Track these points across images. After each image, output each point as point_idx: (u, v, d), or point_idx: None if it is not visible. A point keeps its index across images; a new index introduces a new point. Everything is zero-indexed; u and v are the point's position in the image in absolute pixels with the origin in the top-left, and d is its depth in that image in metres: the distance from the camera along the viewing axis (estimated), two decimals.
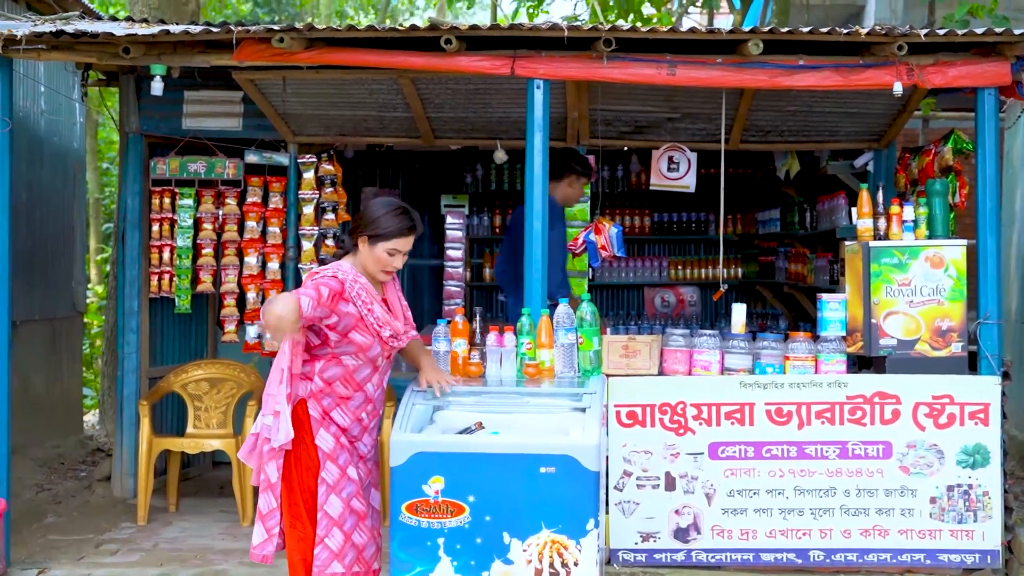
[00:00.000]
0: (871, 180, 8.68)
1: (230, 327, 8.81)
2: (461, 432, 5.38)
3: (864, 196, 6.94)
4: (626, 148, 9.04)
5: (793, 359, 6.75)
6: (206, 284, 8.80)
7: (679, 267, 11.92)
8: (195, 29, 6.63)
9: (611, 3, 13.85)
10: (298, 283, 8.69)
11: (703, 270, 11.86)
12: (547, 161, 6.89)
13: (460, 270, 10.05)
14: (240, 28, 6.53)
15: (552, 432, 5.39)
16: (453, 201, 10.95)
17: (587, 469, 5.15)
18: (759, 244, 11.78)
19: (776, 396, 6.70)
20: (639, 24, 13.17)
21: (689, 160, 8.34)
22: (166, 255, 8.73)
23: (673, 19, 15.80)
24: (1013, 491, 6.96)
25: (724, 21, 19.88)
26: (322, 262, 5.27)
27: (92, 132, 17.32)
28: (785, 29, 6.51)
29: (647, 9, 15.37)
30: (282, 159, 8.82)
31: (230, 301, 8.82)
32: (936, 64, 6.72)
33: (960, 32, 6.58)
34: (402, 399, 5.51)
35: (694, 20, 19.26)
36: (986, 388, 6.71)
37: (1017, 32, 6.53)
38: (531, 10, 14.48)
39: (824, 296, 6.88)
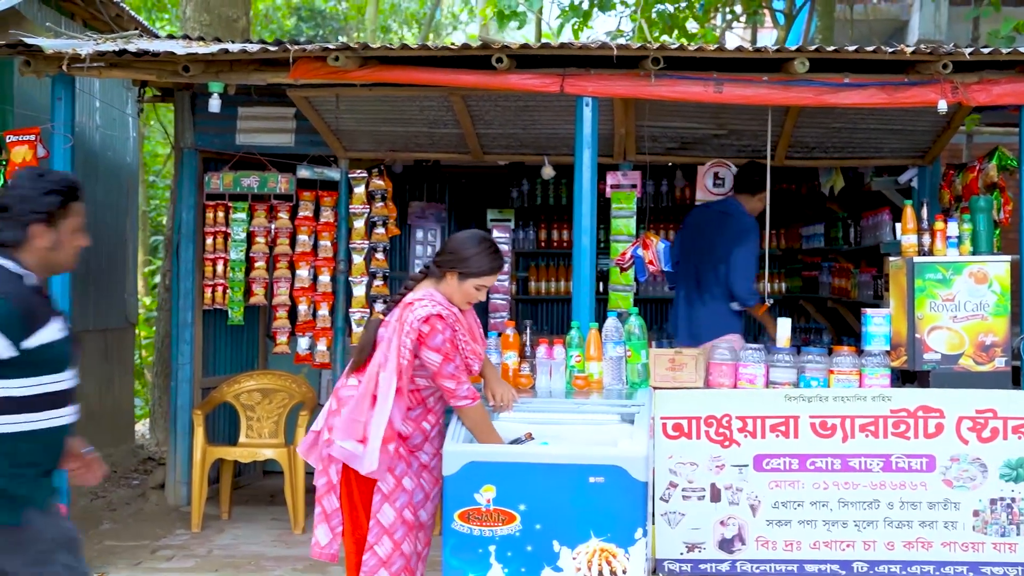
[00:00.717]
0: (915, 196, 8.73)
1: (282, 339, 8.98)
2: (512, 442, 5.48)
3: (909, 212, 7.00)
4: (670, 164, 9.14)
5: (837, 373, 6.81)
6: (259, 296, 8.98)
7: None
8: (253, 48, 6.81)
9: (654, 19, 13.97)
10: (348, 296, 8.88)
11: None
12: (595, 177, 7.01)
13: (506, 283, 10.20)
14: (296, 47, 6.70)
15: (601, 443, 5.49)
16: (499, 215, 11.09)
17: (635, 479, 5.25)
18: (803, 259, 11.81)
19: (821, 409, 6.77)
20: (685, 42, 13.28)
21: (734, 176, 8.42)
22: (220, 268, 8.93)
23: (717, 35, 15.88)
24: None
25: (767, 36, 19.97)
26: (404, 284, 5.41)
27: (139, 146, 17.57)
28: (831, 48, 6.61)
29: (691, 25, 15.46)
30: (333, 174, 8.98)
31: (282, 313, 8.99)
32: (981, 82, 6.79)
33: (1004, 51, 6.65)
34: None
35: (737, 36, 19.35)
36: None
37: None
38: (576, 27, 14.58)
39: (869, 311, 6.95)
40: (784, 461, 6.79)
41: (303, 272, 8.94)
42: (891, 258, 7.20)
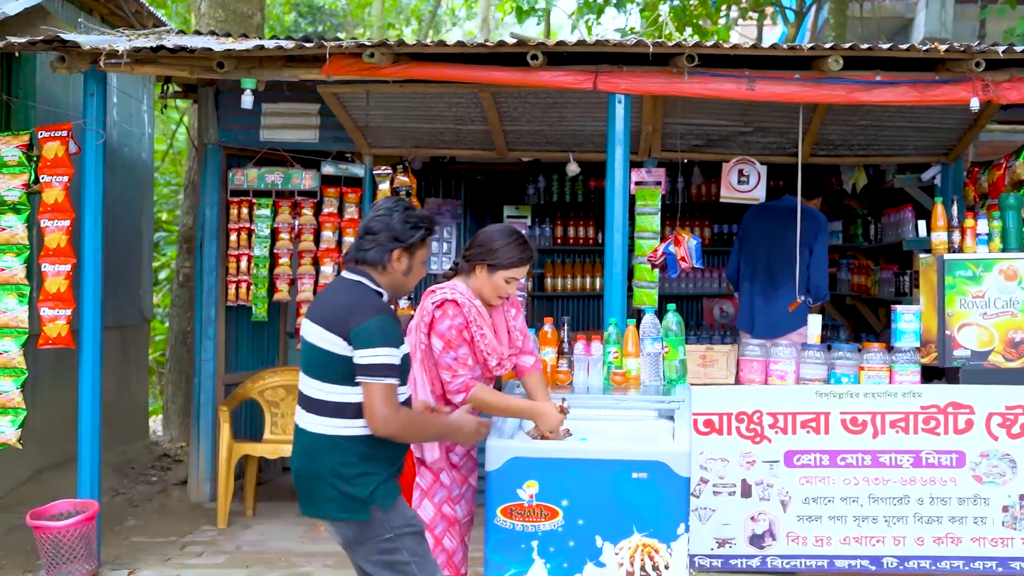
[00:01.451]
0: (937, 193, 8.77)
1: None
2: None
3: (939, 210, 7.03)
4: (686, 160, 9.16)
5: (868, 369, 6.85)
6: (283, 293, 8.98)
7: None
8: (288, 44, 6.82)
9: (660, 16, 14.01)
10: None
11: None
12: (627, 174, 7.05)
13: (523, 280, 10.18)
14: (332, 43, 6.72)
15: (639, 439, 5.50)
16: (516, 212, 11.11)
17: (678, 475, 5.25)
18: None
19: (851, 405, 6.80)
20: (717, 39, 13.31)
21: (759, 173, 8.45)
22: (243, 264, 8.92)
23: (729, 33, 15.90)
24: None
25: (773, 34, 20.02)
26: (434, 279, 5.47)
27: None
28: (865, 45, 6.63)
29: (703, 23, 15.49)
30: (358, 170, 8.98)
31: (306, 310, 8.97)
32: (1011, 80, 6.83)
33: None
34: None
35: (739, 33, 19.39)
36: None
37: None
38: (588, 23, 14.60)
39: (899, 308, 6.97)
40: (815, 457, 6.82)
41: (327, 268, 8.93)
42: (921, 255, 7.23)
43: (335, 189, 8.99)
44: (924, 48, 6.62)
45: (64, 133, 7.22)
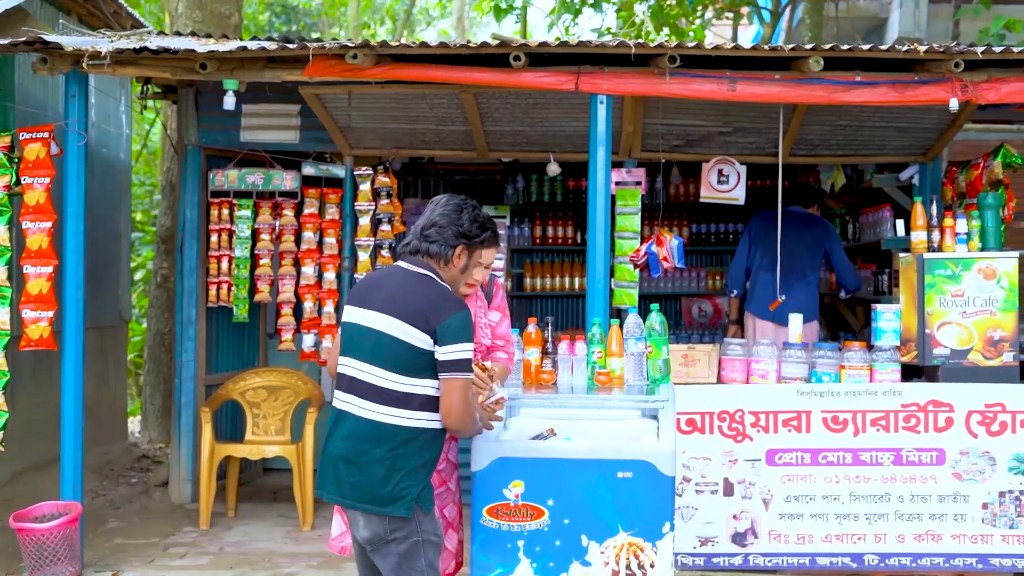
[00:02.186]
0: (915, 193, 8.83)
1: (287, 336, 8.97)
2: (533, 438, 5.51)
3: (918, 209, 7.08)
4: (665, 160, 9.19)
5: (848, 368, 6.89)
6: (264, 294, 8.97)
7: (716, 277, 12.05)
8: (271, 45, 6.82)
9: (636, 15, 14.06)
10: None
11: None
12: (609, 174, 7.09)
13: (501, 280, 10.19)
14: (315, 44, 6.72)
15: (624, 438, 5.52)
16: (495, 212, 11.13)
17: (663, 474, 5.28)
18: None
19: (832, 404, 6.84)
20: (694, 39, 13.37)
21: (739, 173, 8.49)
22: (224, 265, 8.91)
23: (704, 32, 15.95)
24: None
25: (747, 34, 20.08)
26: None
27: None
28: (845, 47, 6.67)
29: (680, 23, 15.53)
30: (338, 171, 8.98)
31: (287, 311, 8.99)
32: (989, 80, 6.88)
33: (1016, 50, 6.74)
34: None
35: (713, 33, 19.45)
36: None
37: None
38: (565, 24, 14.64)
39: (879, 307, 7.02)
40: (796, 455, 6.86)
41: (308, 269, 8.93)
42: (901, 254, 7.28)
43: (316, 190, 8.99)
44: (904, 49, 6.67)
45: (46, 135, 7.20)
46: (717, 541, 6.92)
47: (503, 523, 5.30)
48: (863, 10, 17.00)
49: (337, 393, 4.72)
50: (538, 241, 11.99)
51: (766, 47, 6.75)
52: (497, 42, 6.72)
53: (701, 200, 8.65)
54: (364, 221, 8.86)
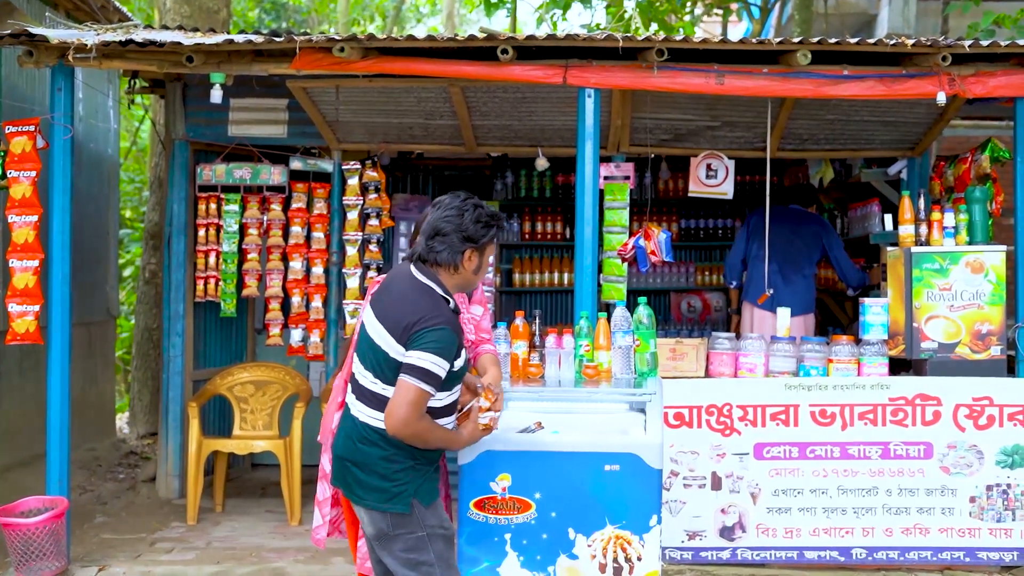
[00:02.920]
0: (903, 187, 8.83)
1: (275, 331, 8.94)
2: (521, 432, 5.51)
3: (906, 203, 7.10)
4: (653, 155, 9.18)
5: (836, 362, 6.91)
6: (251, 288, 8.94)
7: (705, 272, 12.04)
8: (258, 39, 6.80)
9: (626, 12, 14.05)
10: (342, 288, 8.86)
11: None
12: (597, 169, 7.08)
13: (490, 275, 10.19)
14: (302, 38, 6.71)
15: (611, 432, 5.52)
16: None
17: (651, 467, 5.29)
18: None
19: (820, 398, 6.86)
20: (683, 34, 13.37)
21: (727, 168, 8.48)
22: (212, 260, 8.89)
23: (694, 27, 15.96)
24: None
25: (737, 30, 20.10)
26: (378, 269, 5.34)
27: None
28: (833, 40, 6.67)
29: (669, 19, 15.53)
30: (326, 165, 8.96)
31: (275, 305, 8.95)
32: (977, 74, 6.90)
33: (1003, 43, 6.75)
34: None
35: (702, 30, 19.47)
36: None
37: None
38: (554, 18, 14.62)
39: (867, 300, 7.03)
40: (784, 449, 6.89)
41: (296, 264, 8.90)
42: (889, 249, 7.29)
43: (304, 184, 8.96)
44: (891, 42, 6.67)
45: (32, 128, 7.17)
46: (705, 535, 6.93)
47: (490, 516, 5.31)
48: (852, 6, 17.03)
49: (348, 391, 4.73)
50: (527, 236, 11.98)
51: (754, 40, 6.75)
52: (485, 35, 6.72)
53: (689, 195, 8.65)
54: (352, 216, 8.84)
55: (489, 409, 4.80)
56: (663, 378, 6.80)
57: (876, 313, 6.98)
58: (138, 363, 12.12)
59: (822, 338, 7.14)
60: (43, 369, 7.22)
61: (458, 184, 11.75)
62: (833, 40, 6.68)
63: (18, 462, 9.29)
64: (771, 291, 8.30)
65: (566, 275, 11.81)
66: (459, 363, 4.56)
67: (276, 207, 8.93)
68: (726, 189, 8.52)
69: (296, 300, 8.92)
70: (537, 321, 6.47)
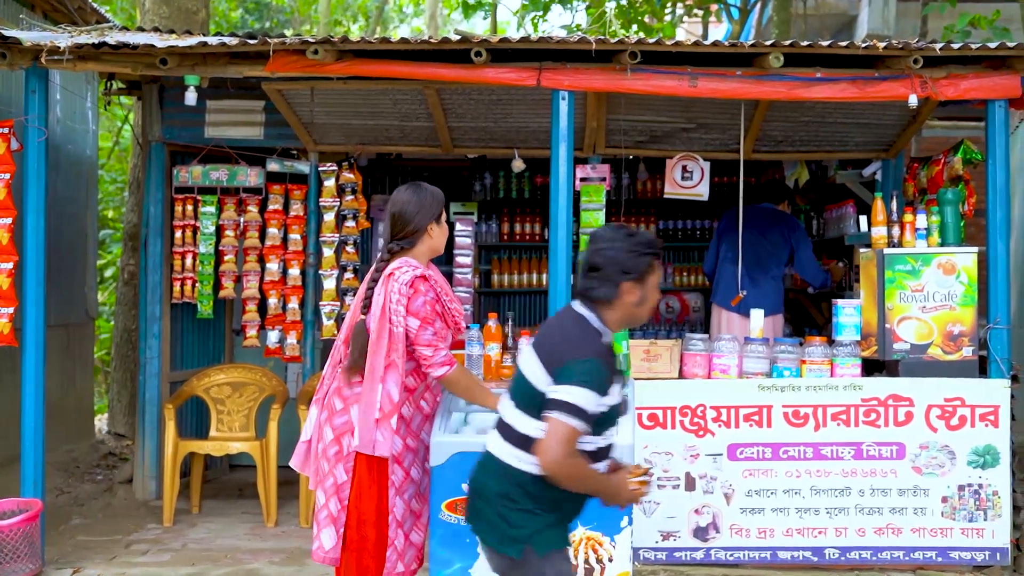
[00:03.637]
0: (877, 189, 8.87)
1: (252, 332, 8.94)
2: None
3: (879, 205, 7.14)
4: (631, 156, 9.21)
5: (809, 363, 6.94)
6: (228, 290, 8.95)
7: (683, 273, 12.07)
8: (232, 41, 6.80)
9: (604, 13, 14.08)
10: (318, 290, 8.86)
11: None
12: (571, 171, 7.11)
13: (469, 276, 10.19)
14: (276, 40, 6.71)
15: None
16: (462, 209, 11.09)
17: None
18: None
19: (793, 399, 6.90)
20: (661, 34, 13.39)
21: (702, 169, 8.51)
22: (188, 261, 8.89)
23: (675, 29, 15.98)
24: (1021, 490, 7.15)
25: (717, 31, 20.13)
26: (370, 277, 5.29)
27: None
28: (805, 43, 6.70)
29: (648, 20, 15.56)
30: (303, 167, 8.96)
31: (251, 307, 8.95)
32: (949, 77, 6.93)
33: (974, 46, 6.78)
34: (440, 402, 5.65)
35: (684, 31, 19.51)
36: (996, 391, 6.92)
37: None
38: (534, 20, 14.65)
39: (840, 302, 7.07)
40: (757, 450, 6.93)
41: (273, 265, 8.90)
42: (862, 250, 7.33)
43: (280, 186, 8.96)
44: (864, 45, 6.71)
45: (5, 130, 7.16)
46: (679, 535, 6.97)
47: (462, 518, 5.31)
48: (832, 7, 17.04)
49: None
50: (506, 237, 11.99)
51: (727, 43, 6.77)
52: (459, 38, 6.72)
53: (665, 196, 8.67)
54: (329, 217, 8.84)
55: (643, 474, 4.42)
56: (638, 379, 6.84)
57: (849, 314, 7.02)
58: (117, 364, 12.09)
59: (795, 339, 7.18)
60: (16, 373, 7.22)
61: (437, 185, 11.70)
62: (806, 43, 6.71)
63: None
64: (743, 292, 8.33)
65: (545, 276, 11.82)
66: (611, 399, 4.21)
67: (253, 209, 8.94)
68: (701, 191, 8.56)
69: (273, 302, 8.92)
70: (510, 323, 6.49)
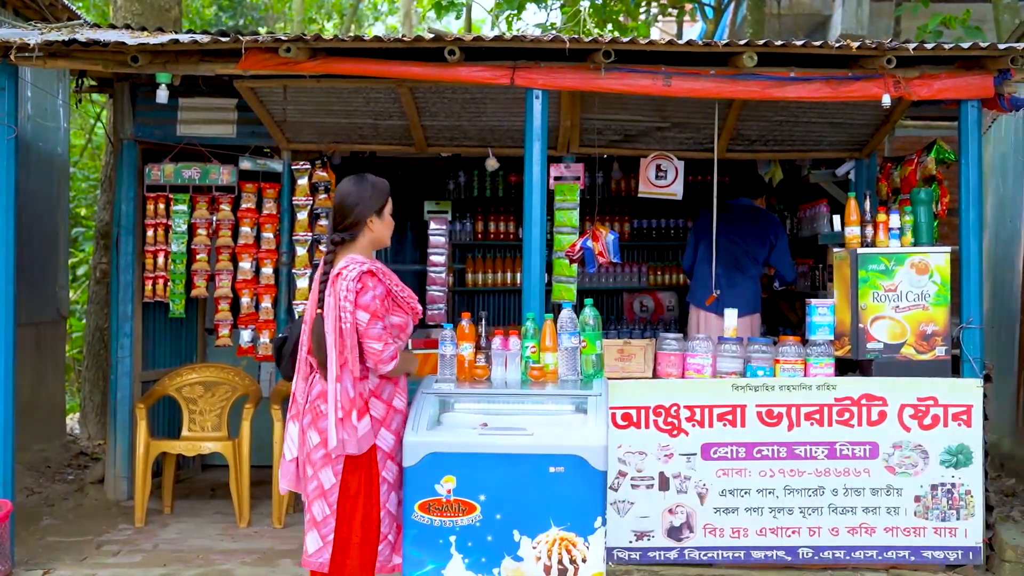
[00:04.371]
0: (851, 188, 8.88)
1: (224, 331, 8.89)
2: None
3: (852, 204, 7.14)
4: (605, 155, 9.20)
5: (783, 362, 6.94)
6: (200, 289, 8.90)
7: (658, 273, 12.07)
8: (203, 38, 6.75)
9: (580, 12, 14.08)
10: (291, 289, 8.82)
11: (681, 275, 11.93)
12: (545, 169, 7.08)
13: (443, 275, 10.19)
14: (248, 38, 6.67)
15: (557, 433, 5.51)
16: (436, 207, 11.06)
17: (595, 469, 5.28)
18: None
19: (767, 398, 6.90)
20: (635, 33, 13.38)
21: (676, 168, 8.52)
22: (160, 260, 8.83)
23: (649, 29, 15.99)
24: (994, 489, 7.17)
25: (692, 31, 20.15)
26: (321, 272, 5.29)
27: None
28: (779, 42, 6.70)
29: (623, 19, 15.56)
30: (276, 165, 8.92)
31: (224, 306, 8.89)
32: (922, 77, 6.94)
33: (947, 46, 6.79)
34: (413, 401, 5.63)
35: (659, 30, 19.52)
36: (969, 390, 6.93)
37: (1001, 46, 6.76)
38: (509, 18, 14.62)
39: (813, 301, 7.07)
40: (731, 449, 6.92)
41: (245, 264, 8.86)
42: (835, 250, 7.33)
43: (253, 185, 8.92)
44: (837, 45, 6.71)
45: None
46: (653, 535, 6.95)
47: (435, 518, 5.29)
48: (806, 7, 17.09)
49: None
50: (480, 236, 11.97)
51: (701, 42, 6.76)
52: (432, 36, 6.70)
53: (639, 195, 8.67)
54: (302, 216, 8.81)
55: None
56: (612, 379, 6.82)
57: (822, 314, 7.01)
58: (89, 363, 12.01)
59: (769, 338, 7.18)
60: None
61: (411, 184, 11.73)
62: (779, 42, 6.71)
63: None
64: (718, 292, 8.33)
65: (519, 275, 11.80)
66: None
67: (225, 207, 8.89)
68: (676, 190, 8.56)
69: (246, 301, 8.88)
70: (483, 322, 6.45)
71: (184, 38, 6.78)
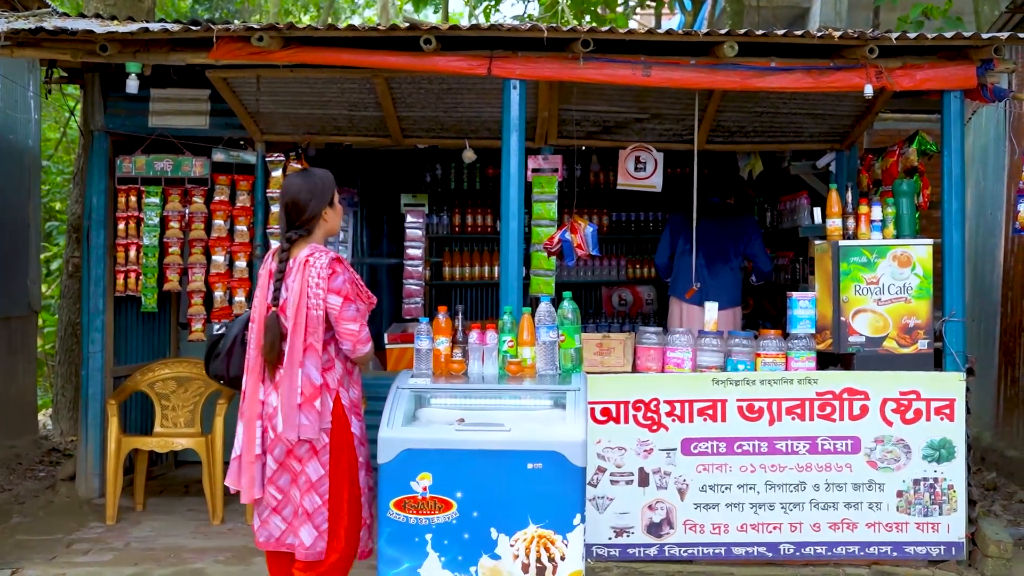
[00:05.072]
0: (832, 180, 8.82)
1: (197, 326, 8.76)
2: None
3: (833, 196, 7.07)
4: (584, 148, 9.12)
5: (764, 356, 6.86)
6: (173, 283, 8.77)
7: (636, 266, 12.02)
8: (174, 27, 6.63)
9: (560, 4, 14.02)
10: None
11: None
12: (523, 161, 6.98)
13: (420, 269, 10.10)
14: (219, 27, 6.55)
15: (534, 429, 5.43)
16: (413, 200, 10.96)
17: (573, 465, 5.21)
18: None
19: (748, 393, 6.81)
20: (614, 25, 13.28)
21: (656, 160, 8.44)
22: (132, 254, 8.70)
23: (627, 20, 15.92)
24: (976, 484, 7.11)
25: (670, 22, 20.06)
26: (277, 268, 5.30)
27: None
28: (760, 32, 6.62)
29: (601, 11, 15.49)
30: (249, 157, 8.79)
31: (197, 300, 8.77)
32: (904, 67, 6.87)
33: (930, 36, 6.73)
34: (388, 396, 5.55)
35: (637, 22, 19.45)
36: (951, 384, 6.86)
37: (985, 36, 6.69)
38: (486, 10, 14.53)
39: (794, 294, 6.99)
40: (712, 445, 6.84)
41: (219, 258, 8.74)
42: (817, 242, 7.26)
43: (227, 177, 8.79)
44: (819, 35, 6.63)
45: None
46: (632, 532, 6.87)
47: (411, 516, 5.23)
48: None
49: None
50: (457, 229, 11.90)
51: (681, 32, 6.69)
52: (408, 25, 6.59)
53: (618, 187, 8.59)
54: (276, 208, 8.68)
55: None
56: (591, 373, 6.73)
57: (804, 307, 6.94)
58: (61, 358, 11.89)
59: (749, 332, 7.10)
60: None
61: (387, 176, 11.63)
62: (760, 32, 6.63)
63: None
64: (698, 285, 8.27)
65: (496, 268, 11.73)
66: None
67: (198, 200, 8.76)
68: (655, 182, 8.48)
69: (219, 295, 8.75)
70: (460, 316, 6.37)
71: (154, 27, 6.66)
